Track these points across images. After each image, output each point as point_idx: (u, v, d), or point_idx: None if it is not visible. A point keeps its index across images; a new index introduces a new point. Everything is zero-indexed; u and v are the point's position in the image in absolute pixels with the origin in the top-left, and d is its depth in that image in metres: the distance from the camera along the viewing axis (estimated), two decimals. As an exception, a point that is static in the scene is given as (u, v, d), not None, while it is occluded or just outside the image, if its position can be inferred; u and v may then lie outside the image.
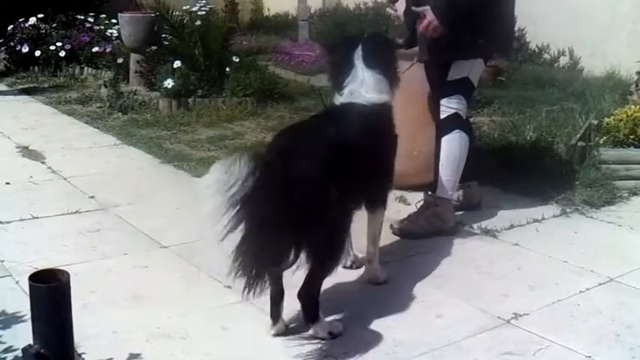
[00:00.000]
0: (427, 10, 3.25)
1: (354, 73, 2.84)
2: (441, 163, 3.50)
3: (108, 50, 7.66)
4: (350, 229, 2.66)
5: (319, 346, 2.43)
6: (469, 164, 3.67)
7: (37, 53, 7.85)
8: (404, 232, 3.46)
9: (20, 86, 7.37)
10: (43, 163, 4.63)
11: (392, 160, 2.97)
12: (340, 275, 3.03)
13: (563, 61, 7.57)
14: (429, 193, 3.55)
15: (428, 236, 3.44)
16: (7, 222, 3.55)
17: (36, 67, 7.95)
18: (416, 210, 3.57)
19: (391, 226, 3.47)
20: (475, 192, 3.84)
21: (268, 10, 11.28)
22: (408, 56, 3.95)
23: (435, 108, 3.58)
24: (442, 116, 3.49)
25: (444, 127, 3.50)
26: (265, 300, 2.75)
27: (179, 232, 3.49)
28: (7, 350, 2.28)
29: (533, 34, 7.64)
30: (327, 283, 2.93)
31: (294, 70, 7.82)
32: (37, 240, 3.34)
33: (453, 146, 3.48)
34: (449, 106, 3.47)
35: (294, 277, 2.47)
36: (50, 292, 1.59)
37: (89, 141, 5.21)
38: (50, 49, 7.86)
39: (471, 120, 5.12)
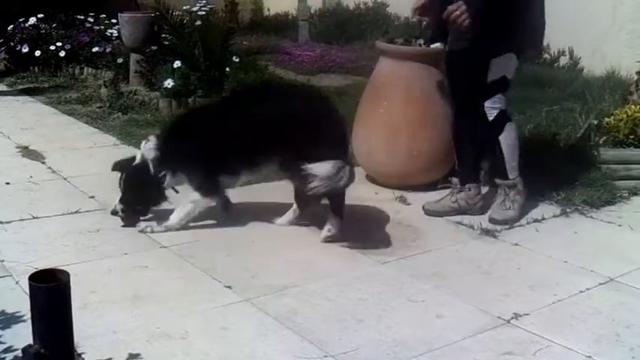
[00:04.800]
0: (460, 3, 3.30)
1: None
2: (506, 156, 3.63)
3: (108, 50, 7.65)
4: None
5: (319, 345, 2.44)
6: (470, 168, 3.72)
7: (37, 53, 7.85)
8: (508, 220, 3.62)
9: (20, 86, 7.36)
10: (43, 163, 4.63)
11: None
12: (340, 275, 3.04)
13: (563, 61, 7.57)
14: (502, 180, 3.68)
15: (520, 216, 3.67)
16: (7, 222, 3.55)
17: (36, 67, 7.94)
18: (499, 199, 3.70)
19: (492, 219, 3.62)
20: (477, 196, 3.83)
21: (268, 10, 11.28)
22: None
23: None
24: (490, 118, 3.57)
25: (495, 127, 3.60)
26: (265, 300, 2.77)
27: (179, 232, 3.50)
28: (7, 350, 2.28)
29: (533, 34, 7.63)
30: (327, 283, 2.94)
31: (294, 70, 7.82)
32: (37, 240, 3.34)
33: (509, 138, 3.62)
34: (493, 107, 3.56)
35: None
36: (50, 292, 1.58)
37: (89, 141, 5.21)
38: (50, 49, 7.85)
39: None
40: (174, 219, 3.51)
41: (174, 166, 3.51)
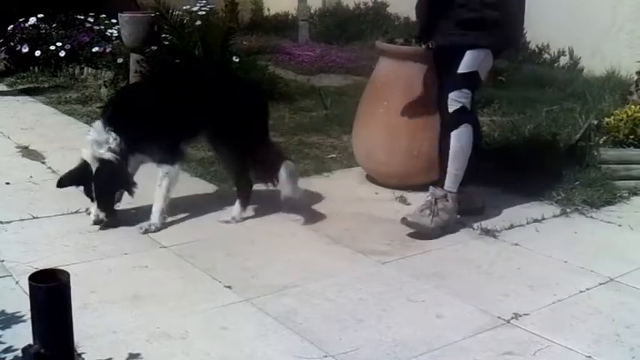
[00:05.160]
0: None
1: None
2: (450, 156, 3.51)
3: (108, 50, 7.65)
4: None
5: (319, 345, 2.44)
6: (473, 166, 3.70)
7: (37, 53, 7.84)
8: (419, 227, 3.45)
9: (20, 86, 7.36)
10: (43, 163, 4.63)
11: None
12: (340, 275, 3.04)
13: (563, 61, 7.57)
14: (438, 187, 3.55)
15: (437, 233, 3.45)
16: (7, 222, 3.55)
17: (36, 67, 7.93)
18: (423, 205, 3.53)
19: (404, 219, 3.48)
20: (476, 196, 3.81)
21: (268, 10, 11.28)
22: (414, 54, 3.97)
23: (440, 96, 3.60)
24: (450, 110, 3.49)
25: (452, 121, 3.51)
26: (265, 300, 2.77)
27: (179, 232, 3.50)
28: (7, 350, 2.28)
29: (533, 34, 7.63)
30: (327, 283, 2.94)
31: (294, 70, 7.82)
32: (37, 240, 3.34)
33: (462, 140, 3.50)
34: (457, 100, 3.47)
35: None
36: (50, 292, 1.58)
37: (89, 141, 5.20)
38: (50, 49, 7.84)
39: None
40: (159, 201, 3.57)
41: (138, 149, 3.53)
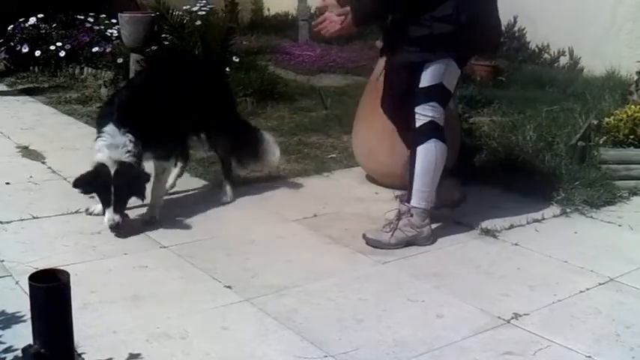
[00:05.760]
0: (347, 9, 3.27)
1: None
2: (416, 172, 3.35)
3: (108, 50, 7.65)
4: None
5: (319, 345, 2.44)
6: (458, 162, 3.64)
7: (37, 53, 7.84)
8: (378, 243, 3.34)
9: (20, 86, 7.36)
10: (43, 163, 4.63)
11: None
12: (340, 275, 3.04)
13: (563, 61, 7.59)
14: (404, 202, 3.43)
15: (401, 246, 3.34)
16: (7, 222, 3.55)
17: (36, 67, 7.94)
18: (389, 220, 3.43)
19: (364, 236, 3.39)
20: (453, 189, 3.74)
21: (268, 10, 11.29)
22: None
23: (406, 114, 3.39)
24: (417, 124, 3.33)
25: (419, 135, 3.34)
26: (265, 300, 2.77)
27: (179, 232, 3.50)
28: (7, 350, 2.28)
29: (533, 34, 7.65)
30: (327, 283, 2.94)
31: (294, 70, 7.82)
32: (37, 240, 3.34)
33: (429, 156, 3.32)
34: (424, 114, 3.31)
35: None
36: (50, 292, 1.58)
37: (89, 141, 5.13)
38: (50, 49, 7.85)
39: (471, 120, 5.13)
40: (159, 193, 3.69)
41: (150, 149, 3.54)
